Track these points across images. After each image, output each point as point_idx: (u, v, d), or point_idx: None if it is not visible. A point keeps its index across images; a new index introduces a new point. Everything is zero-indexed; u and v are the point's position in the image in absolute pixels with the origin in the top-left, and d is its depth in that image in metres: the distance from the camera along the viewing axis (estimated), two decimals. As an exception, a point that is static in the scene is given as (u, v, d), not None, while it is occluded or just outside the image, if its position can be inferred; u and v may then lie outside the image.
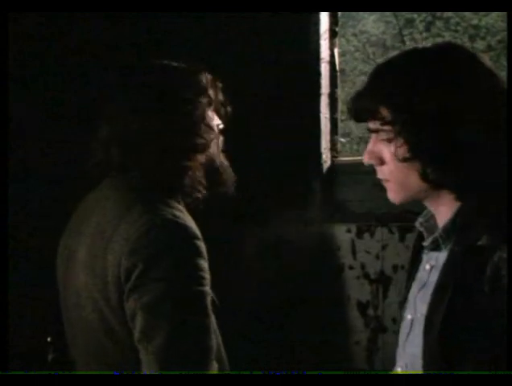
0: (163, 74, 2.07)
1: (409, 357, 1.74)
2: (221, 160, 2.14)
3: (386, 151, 1.70)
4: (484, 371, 1.54)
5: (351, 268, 3.36)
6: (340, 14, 3.49)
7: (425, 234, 1.77)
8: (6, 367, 1.88)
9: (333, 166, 3.47)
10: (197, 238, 1.91)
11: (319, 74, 3.36)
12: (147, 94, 2.02)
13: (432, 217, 1.78)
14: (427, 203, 1.76)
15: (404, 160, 1.65)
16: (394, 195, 1.74)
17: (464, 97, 1.60)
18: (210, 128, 2.07)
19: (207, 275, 1.90)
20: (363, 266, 3.35)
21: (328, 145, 3.46)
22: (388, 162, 1.70)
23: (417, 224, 1.81)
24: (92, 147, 2.07)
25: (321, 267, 3.37)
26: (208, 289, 1.90)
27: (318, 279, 3.37)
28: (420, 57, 1.69)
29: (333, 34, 3.46)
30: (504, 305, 1.52)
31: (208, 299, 1.89)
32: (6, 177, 2.04)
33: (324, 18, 3.40)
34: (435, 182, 1.65)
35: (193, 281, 1.87)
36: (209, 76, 2.10)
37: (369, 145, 1.74)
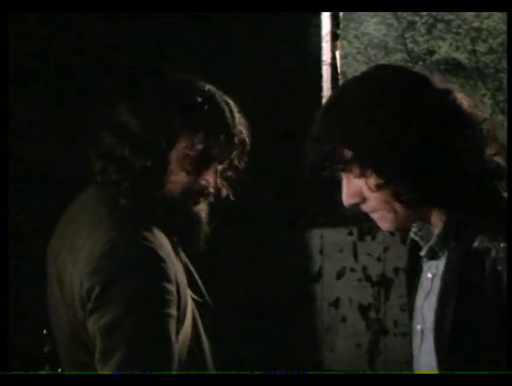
0: (160, 94, 1.92)
1: (425, 367, 1.73)
2: (198, 210, 1.99)
3: (363, 186, 1.66)
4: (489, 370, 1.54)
5: (353, 270, 3.35)
6: (341, 16, 3.49)
7: (421, 243, 1.75)
8: (6, 367, 1.88)
9: (335, 167, 3.45)
10: (160, 260, 1.82)
11: (320, 76, 3.36)
12: (139, 107, 1.91)
13: (425, 225, 1.76)
14: (423, 221, 1.74)
15: (378, 188, 1.63)
16: (387, 224, 1.70)
17: (410, 113, 1.59)
18: (187, 172, 1.92)
19: (170, 297, 1.82)
20: (365, 269, 3.34)
21: (330, 147, 3.45)
22: (368, 195, 1.66)
23: (411, 234, 1.78)
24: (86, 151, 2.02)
25: (323, 269, 3.37)
26: (171, 311, 1.82)
27: (319, 281, 3.36)
28: (360, 88, 1.66)
29: (335, 36, 3.46)
30: (504, 305, 1.52)
31: (170, 321, 1.81)
32: (6, 177, 2.03)
33: (326, 20, 3.40)
34: (410, 202, 1.63)
35: (154, 304, 1.80)
36: (233, 132, 1.95)
37: (344, 187, 1.70)
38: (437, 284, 1.68)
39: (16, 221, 2.67)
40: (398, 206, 1.65)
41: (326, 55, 3.40)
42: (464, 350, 1.58)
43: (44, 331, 2.14)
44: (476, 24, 6.36)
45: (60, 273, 1.92)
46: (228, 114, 1.94)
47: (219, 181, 1.98)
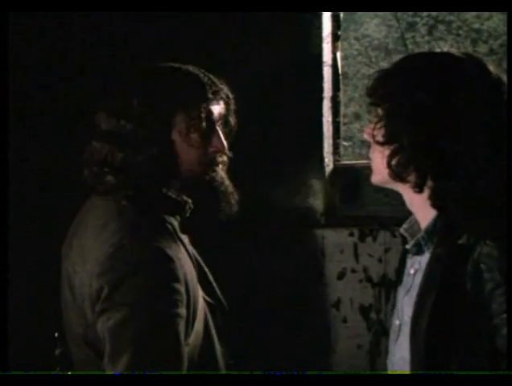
0: (156, 83, 1.96)
1: (399, 362, 1.74)
2: (220, 178, 2.05)
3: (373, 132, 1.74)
4: (469, 369, 1.56)
5: (354, 271, 3.35)
6: (342, 17, 3.49)
7: (408, 239, 1.78)
8: (6, 367, 1.88)
9: (336, 169, 3.46)
10: (168, 260, 1.83)
11: (321, 77, 3.36)
12: (132, 100, 1.94)
13: (416, 223, 1.79)
14: (412, 208, 1.77)
15: (378, 143, 1.70)
16: (372, 176, 1.78)
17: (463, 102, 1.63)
18: (197, 145, 1.96)
19: (179, 297, 1.83)
20: (366, 270, 3.34)
21: (331, 148, 3.46)
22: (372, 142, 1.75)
23: (401, 230, 1.82)
24: (82, 158, 2.01)
25: (324, 270, 3.37)
26: (180, 311, 1.82)
27: (321, 282, 3.36)
28: (424, 60, 1.73)
29: (336, 37, 3.46)
30: (490, 303, 1.54)
31: (179, 322, 1.82)
32: (6, 177, 2.03)
33: (327, 21, 3.40)
34: (396, 173, 1.68)
35: (161, 304, 1.81)
36: (216, 88, 1.99)
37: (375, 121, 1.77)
38: (418, 280, 1.70)
39: (16, 221, 2.67)
40: (383, 167, 1.70)
41: (327, 57, 3.40)
42: (438, 344, 1.60)
43: (56, 334, 2.15)
44: (476, 25, 6.35)
45: (70, 276, 1.93)
46: (202, 76, 1.98)
47: (225, 142, 2.01)
